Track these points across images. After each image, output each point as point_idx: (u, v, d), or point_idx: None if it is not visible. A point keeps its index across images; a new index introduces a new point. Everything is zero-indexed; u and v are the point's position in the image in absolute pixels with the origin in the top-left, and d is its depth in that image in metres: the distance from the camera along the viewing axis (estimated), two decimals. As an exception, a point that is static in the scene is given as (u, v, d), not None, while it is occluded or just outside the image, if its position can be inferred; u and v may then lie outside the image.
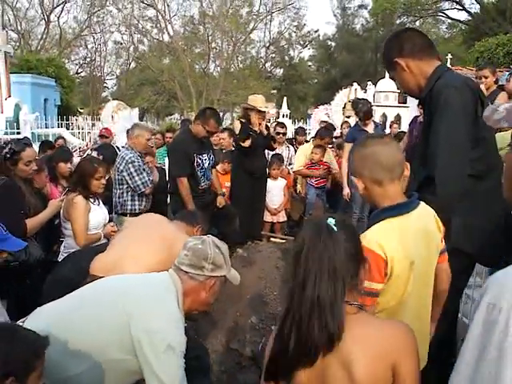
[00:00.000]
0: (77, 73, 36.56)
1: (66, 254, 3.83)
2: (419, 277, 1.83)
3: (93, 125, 17.38)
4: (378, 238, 1.79)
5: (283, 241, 6.25)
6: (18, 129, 12.60)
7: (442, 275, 2.03)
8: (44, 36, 34.08)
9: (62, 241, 4.09)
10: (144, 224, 3.28)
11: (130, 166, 4.74)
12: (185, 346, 1.99)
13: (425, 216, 1.91)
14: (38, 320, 1.95)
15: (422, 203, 1.92)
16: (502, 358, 0.98)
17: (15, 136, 11.46)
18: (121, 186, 4.84)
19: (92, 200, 3.92)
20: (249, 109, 5.71)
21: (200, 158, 5.03)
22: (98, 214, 3.98)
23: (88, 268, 3.03)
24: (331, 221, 1.47)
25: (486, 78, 5.30)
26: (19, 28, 33.50)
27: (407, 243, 1.78)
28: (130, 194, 4.84)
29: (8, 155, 3.56)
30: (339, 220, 1.49)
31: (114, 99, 31.38)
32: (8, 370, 1.54)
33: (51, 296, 2.40)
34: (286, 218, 6.72)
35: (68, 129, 15.59)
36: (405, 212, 1.85)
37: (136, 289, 2.15)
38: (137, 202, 4.87)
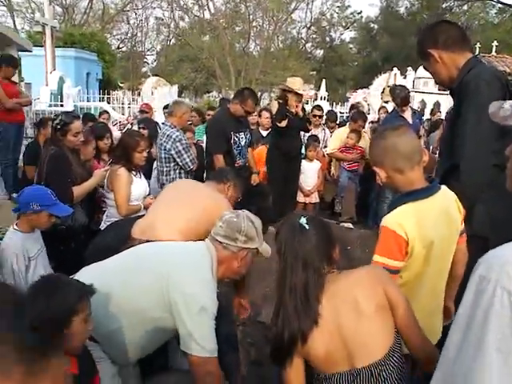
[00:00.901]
0: (118, 48, 36.98)
1: (108, 223, 4.03)
2: (439, 256, 1.97)
3: (132, 99, 17.67)
4: (400, 220, 1.93)
5: (313, 222, 6.38)
6: (62, 101, 13.00)
7: (459, 255, 2.16)
8: (87, 11, 34.55)
9: (104, 210, 4.32)
10: (178, 189, 3.40)
11: (178, 144, 4.83)
12: (216, 309, 2.16)
13: (446, 199, 2.03)
14: (83, 278, 2.14)
15: (444, 187, 2.04)
16: (486, 324, 1.07)
17: (59, 108, 11.86)
18: (167, 164, 4.95)
19: (134, 172, 4.11)
20: (286, 90, 5.81)
21: (237, 136, 5.18)
22: (140, 186, 4.16)
23: (126, 237, 3.25)
24: (303, 220, 1.76)
25: None
26: (64, 2, 34.02)
27: (428, 225, 1.91)
28: (177, 171, 4.96)
29: (59, 126, 3.79)
30: (309, 218, 1.79)
31: (153, 75, 31.71)
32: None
33: (93, 262, 2.60)
34: (318, 200, 6.82)
35: (109, 103, 15.91)
36: (425, 196, 1.97)
37: (175, 255, 2.33)
38: (184, 179, 4.95)
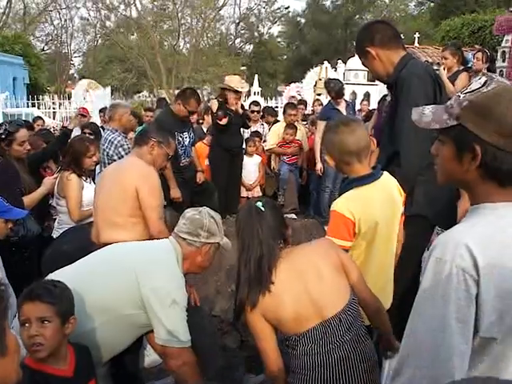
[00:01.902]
0: (42, 50, 35.68)
1: (59, 230, 4.05)
2: (384, 235, 2.22)
3: (60, 104, 17.16)
4: (347, 204, 2.20)
5: (259, 215, 6.56)
6: (-11, 109, 12.48)
7: (398, 234, 2.43)
8: (6, 11, 33.06)
9: (55, 218, 4.31)
10: (104, 183, 3.43)
11: (121, 149, 4.82)
12: (186, 301, 2.29)
13: (388, 184, 2.31)
14: None
15: (386, 173, 2.31)
16: (446, 298, 1.24)
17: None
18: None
19: (84, 178, 4.13)
20: (226, 89, 5.95)
21: (181, 136, 5.26)
22: (90, 191, 4.14)
23: (83, 244, 3.33)
24: (259, 203, 1.99)
25: (446, 59, 5.64)
26: (-20, 3, 32.46)
27: (373, 207, 2.16)
28: None
29: (3, 136, 3.74)
30: (265, 201, 2.04)
31: (81, 77, 30.87)
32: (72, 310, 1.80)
33: (51, 270, 2.65)
34: (260, 194, 7.00)
35: (39, 108, 15.41)
36: (370, 182, 2.24)
37: (142, 253, 2.44)
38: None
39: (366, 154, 2.23)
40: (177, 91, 29.62)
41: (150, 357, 3.12)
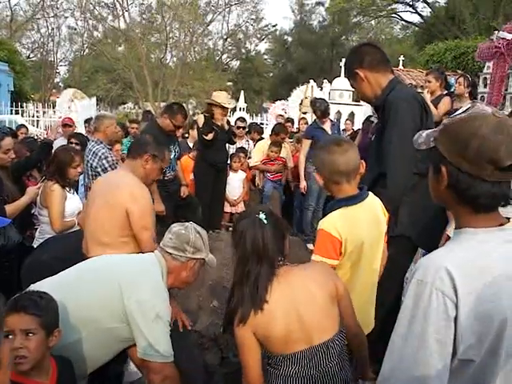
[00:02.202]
0: (28, 57, 35.48)
1: (41, 240, 4.01)
2: (369, 254, 2.25)
3: (44, 112, 17.05)
4: (335, 223, 2.20)
5: (242, 231, 6.57)
6: (-28, 115, 12.36)
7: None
8: (-7, 18, 32.91)
9: (36, 227, 4.27)
10: (95, 197, 3.29)
11: (104, 161, 4.78)
12: (170, 316, 2.28)
13: (373, 204, 2.34)
14: None
15: (371, 194, 2.34)
16: (426, 319, 1.29)
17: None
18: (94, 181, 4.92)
19: (67, 188, 4.10)
20: (212, 104, 5.98)
21: (168, 150, 5.26)
22: (73, 201, 4.16)
23: (63, 254, 3.30)
24: (262, 215, 1.93)
25: (429, 82, 5.77)
26: (-34, 8, 32.25)
27: (359, 227, 2.19)
28: None
29: None
30: (268, 213, 1.97)
31: (67, 86, 30.70)
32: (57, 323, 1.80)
33: (30, 280, 2.62)
34: (244, 209, 7.03)
35: (23, 116, 15.28)
36: (356, 202, 2.26)
37: (127, 265, 2.43)
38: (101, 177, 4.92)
39: (355, 175, 2.25)
40: (162, 104, 29.66)
41: (130, 371, 3.09)
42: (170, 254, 2.45)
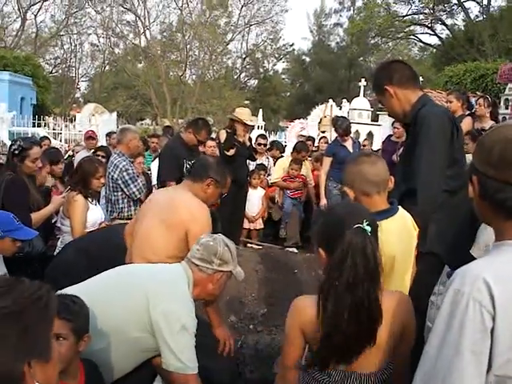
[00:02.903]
0: (50, 72, 36.19)
1: (61, 250, 4.04)
2: (401, 269, 2.22)
3: (65, 126, 17.35)
4: None
5: (260, 247, 6.56)
6: (-5, 126, 12.59)
7: None
8: (19, 33, 33.68)
9: (58, 237, 4.31)
10: (154, 213, 3.17)
11: (125, 174, 4.84)
12: (195, 328, 2.27)
13: (404, 218, 2.30)
14: None
15: (401, 208, 2.31)
16: (462, 330, 1.27)
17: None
18: (115, 193, 4.95)
19: (90, 199, 4.14)
20: (235, 120, 6.02)
21: (189, 164, 5.29)
22: (95, 212, 4.20)
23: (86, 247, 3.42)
24: (367, 228, 1.75)
25: (450, 102, 5.77)
26: (-7, 24, 33.09)
27: (391, 242, 2.15)
28: (126, 200, 4.96)
29: (16, 152, 3.77)
30: (372, 224, 1.78)
31: (87, 101, 31.21)
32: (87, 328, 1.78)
33: (53, 278, 2.62)
34: (262, 226, 7.03)
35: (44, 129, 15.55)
36: (388, 216, 2.22)
37: (155, 276, 2.42)
38: (132, 208, 4.97)
39: (384, 188, 2.23)
40: (180, 121, 29.92)
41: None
42: (197, 265, 2.43)
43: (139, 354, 2.35)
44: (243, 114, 6.02)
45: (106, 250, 3.38)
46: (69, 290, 2.36)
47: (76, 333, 1.86)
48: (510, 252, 1.34)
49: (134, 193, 4.92)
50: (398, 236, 2.19)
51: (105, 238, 3.64)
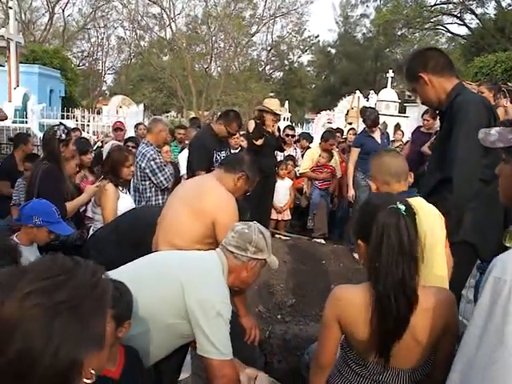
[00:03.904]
0: (77, 66, 36.69)
1: (94, 235, 4.11)
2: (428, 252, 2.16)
3: (93, 118, 17.58)
4: None
5: (288, 238, 6.57)
6: (26, 118, 12.81)
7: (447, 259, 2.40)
8: (48, 27, 34.19)
9: (89, 226, 4.38)
10: (183, 199, 3.21)
11: (152, 163, 4.90)
12: (230, 314, 2.28)
13: (424, 203, 2.33)
14: None
15: (421, 198, 2.36)
16: (506, 317, 1.25)
17: (23, 125, 11.70)
18: (143, 183, 5.00)
19: (120, 188, 4.19)
20: (264, 111, 6.01)
21: (219, 155, 5.32)
22: (126, 201, 4.24)
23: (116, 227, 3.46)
24: (401, 207, 1.76)
25: (482, 93, 5.64)
26: (23, 17, 33.56)
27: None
28: (153, 189, 5.01)
29: (63, 136, 3.81)
30: (406, 205, 1.80)
31: (113, 94, 31.53)
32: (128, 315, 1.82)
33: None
34: (290, 217, 7.02)
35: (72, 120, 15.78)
36: (409, 196, 2.21)
37: (190, 263, 2.43)
38: (160, 197, 5.03)
39: (403, 179, 2.37)
40: (206, 113, 29.98)
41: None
42: (232, 252, 2.43)
43: (174, 339, 2.37)
44: (272, 104, 6.01)
45: (136, 228, 3.42)
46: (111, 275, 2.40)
47: (116, 319, 1.88)
48: None
49: (161, 182, 4.96)
50: (424, 215, 2.09)
51: (135, 216, 3.68)
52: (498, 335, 1.26)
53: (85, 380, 0.97)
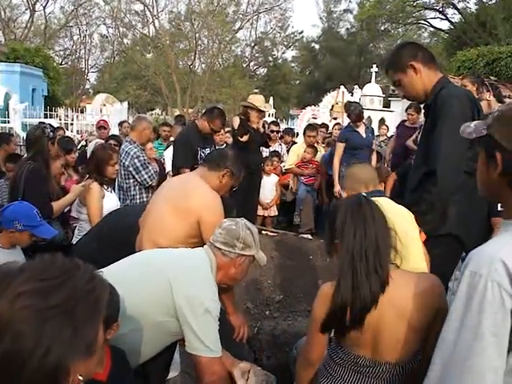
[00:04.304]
0: (60, 64, 36.31)
1: (80, 237, 4.07)
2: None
3: (76, 116, 17.43)
4: None
5: (274, 234, 6.57)
6: (8, 118, 12.66)
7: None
8: (28, 25, 33.77)
9: (75, 226, 4.34)
10: (167, 197, 3.18)
11: (136, 160, 4.85)
12: (219, 311, 2.27)
13: (393, 203, 2.46)
14: None
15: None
16: (481, 313, 1.27)
17: (5, 125, 11.56)
18: (127, 181, 4.95)
19: (105, 187, 4.16)
20: (249, 107, 5.99)
21: (203, 152, 5.29)
22: (111, 200, 4.20)
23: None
24: (363, 195, 1.92)
25: (465, 87, 5.68)
26: (2, 15, 33.14)
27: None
28: (137, 187, 4.96)
29: (51, 135, 3.78)
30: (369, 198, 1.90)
31: (96, 92, 31.28)
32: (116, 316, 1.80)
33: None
34: (276, 213, 7.01)
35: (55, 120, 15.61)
36: (377, 196, 2.31)
37: (178, 260, 2.42)
38: (144, 195, 4.98)
39: (372, 185, 2.65)
40: (190, 110, 29.86)
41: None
42: (220, 249, 2.42)
43: (163, 337, 2.36)
44: (257, 100, 5.99)
45: (119, 229, 3.38)
46: None
47: (105, 322, 1.85)
48: None
49: (145, 179, 4.92)
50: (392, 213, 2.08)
51: (118, 218, 3.63)
52: (475, 329, 1.28)
53: None
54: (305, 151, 6.85)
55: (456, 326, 1.32)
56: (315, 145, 7.03)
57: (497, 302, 1.25)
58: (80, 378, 0.97)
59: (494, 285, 1.25)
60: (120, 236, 3.25)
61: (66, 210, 4.43)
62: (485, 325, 1.26)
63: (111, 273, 2.39)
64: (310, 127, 7.27)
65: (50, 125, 3.89)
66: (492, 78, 12.12)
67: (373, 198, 2.09)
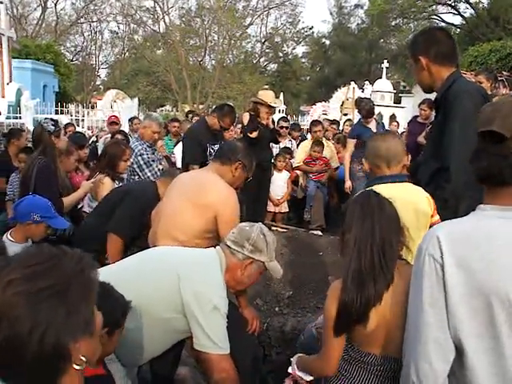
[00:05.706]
0: (71, 61, 36.48)
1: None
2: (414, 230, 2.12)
3: (87, 113, 17.52)
4: None
5: (285, 230, 6.56)
6: (20, 113, 12.75)
7: None
8: (40, 22, 33.94)
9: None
10: (187, 189, 3.15)
11: (140, 158, 4.87)
12: (227, 309, 2.26)
13: (413, 190, 2.43)
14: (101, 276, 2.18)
15: (411, 184, 2.46)
16: (421, 286, 1.34)
17: (17, 121, 11.65)
18: (133, 177, 4.97)
19: (117, 182, 4.18)
20: (258, 103, 5.97)
21: (212, 148, 5.28)
22: (122, 195, 4.23)
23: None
24: (373, 192, 1.91)
25: (480, 83, 5.63)
26: (14, 12, 33.32)
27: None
28: None
29: (53, 127, 3.79)
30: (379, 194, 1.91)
31: (107, 89, 31.37)
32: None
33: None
34: (287, 209, 6.99)
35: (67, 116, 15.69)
36: (389, 181, 2.38)
37: (188, 258, 2.42)
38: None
39: (396, 163, 2.46)
40: (201, 106, 29.87)
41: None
42: (229, 247, 2.40)
43: (171, 334, 2.36)
44: (267, 96, 5.96)
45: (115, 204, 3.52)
46: (104, 271, 2.38)
47: (109, 326, 1.85)
48: (478, 214, 1.41)
49: (148, 177, 4.90)
50: (400, 203, 2.03)
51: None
52: (417, 302, 1.37)
53: (75, 366, 0.98)
54: (312, 149, 6.82)
55: (411, 300, 1.44)
56: (322, 140, 7.01)
57: (433, 274, 1.32)
58: (83, 358, 0.99)
59: (430, 258, 1.33)
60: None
61: (78, 207, 4.44)
62: (424, 296, 1.34)
63: (118, 269, 2.40)
64: (315, 122, 7.32)
65: (52, 119, 3.89)
66: (505, 73, 12.00)
67: (393, 185, 2.25)
